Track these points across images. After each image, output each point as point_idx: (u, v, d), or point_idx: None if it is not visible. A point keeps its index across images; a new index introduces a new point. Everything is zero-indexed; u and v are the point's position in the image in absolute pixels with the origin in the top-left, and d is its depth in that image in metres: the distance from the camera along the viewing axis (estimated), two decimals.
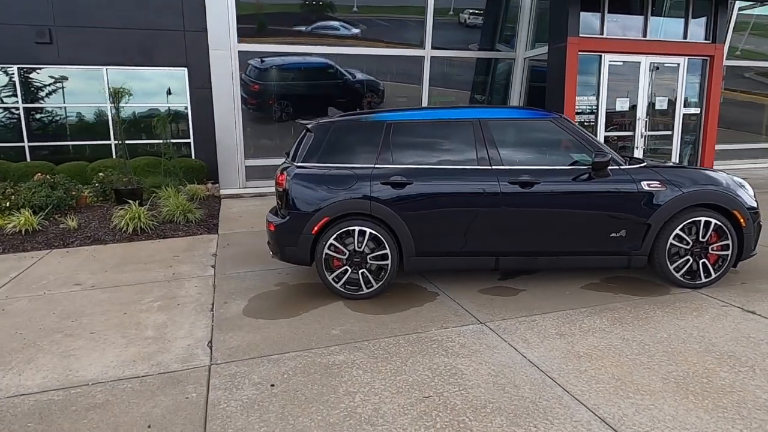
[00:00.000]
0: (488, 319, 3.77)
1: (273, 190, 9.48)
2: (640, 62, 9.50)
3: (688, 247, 4.20)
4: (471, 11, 10.88)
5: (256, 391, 2.85)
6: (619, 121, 9.70)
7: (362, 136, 4.32)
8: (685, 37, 9.73)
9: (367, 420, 2.56)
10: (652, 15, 9.41)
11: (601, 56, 9.26)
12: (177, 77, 10.68)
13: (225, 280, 4.84)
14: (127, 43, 10.14)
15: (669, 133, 10.04)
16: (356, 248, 4.14)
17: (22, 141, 9.78)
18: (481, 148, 4.23)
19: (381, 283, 4.20)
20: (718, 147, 10.49)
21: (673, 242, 4.19)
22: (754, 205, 4.29)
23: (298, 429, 2.50)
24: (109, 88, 8.68)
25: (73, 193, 7.79)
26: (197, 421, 2.60)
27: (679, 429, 2.43)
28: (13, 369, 3.19)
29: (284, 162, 4.66)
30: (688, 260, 4.23)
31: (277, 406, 2.70)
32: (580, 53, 9.00)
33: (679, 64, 9.79)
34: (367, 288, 4.19)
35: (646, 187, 4.16)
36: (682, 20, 9.69)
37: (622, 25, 9.38)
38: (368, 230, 4.12)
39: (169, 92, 10.58)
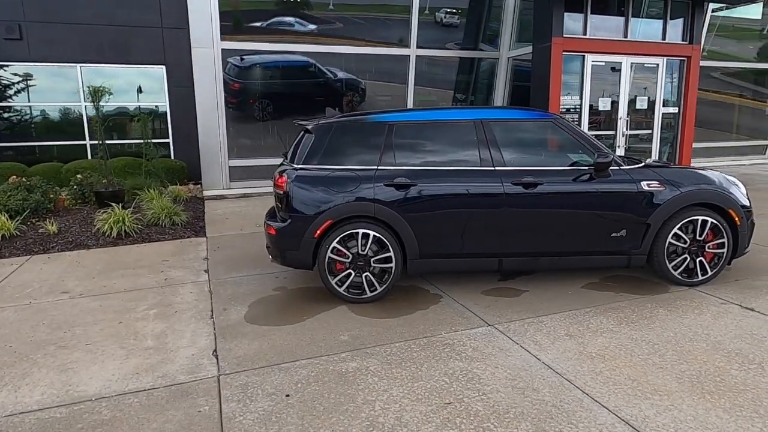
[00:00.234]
0: (496, 321, 3.75)
1: (257, 191, 9.49)
2: (621, 62, 9.66)
3: (685, 245, 4.28)
4: (447, 10, 10.87)
5: (271, 403, 2.76)
6: (601, 119, 9.86)
7: (364, 137, 4.25)
8: (663, 38, 9.94)
9: (390, 430, 2.50)
10: (632, 16, 9.58)
11: (584, 56, 9.38)
12: (155, 76, 10.38)
13: (221, 285, 4.70)
14: (102, 40, 9.81)
15: (649, 132, 10.26)
16: (360, 251, 4.07)
17: None
18: (483, 149, 4.21)
19: (384, 286, 4.15)
20: (694, 145, 10.78)
21: (672, 241, 4.25)
22: (747, 203, 4.38)
23: None
24: (87, 87, 8.34)
25: (51, 196, 7.48)
26: None
27: (701, 430, 2.45)
28: (7, 385, 3.01)
29: (282, 163, 4.55)
30: (686, 258, 4.30)
31: (296, 418, 2.62)
32: (564, 53, 9.10)
33: (658, 65, 10.00)
34: (371, 291, 4.13)
35: (646, 187, 4.21)
36: (661, 21, 9.90)
37: (604, 26, 9.52)
38: (372, 233, 4.05)
39: (140, 90, 10.28)
